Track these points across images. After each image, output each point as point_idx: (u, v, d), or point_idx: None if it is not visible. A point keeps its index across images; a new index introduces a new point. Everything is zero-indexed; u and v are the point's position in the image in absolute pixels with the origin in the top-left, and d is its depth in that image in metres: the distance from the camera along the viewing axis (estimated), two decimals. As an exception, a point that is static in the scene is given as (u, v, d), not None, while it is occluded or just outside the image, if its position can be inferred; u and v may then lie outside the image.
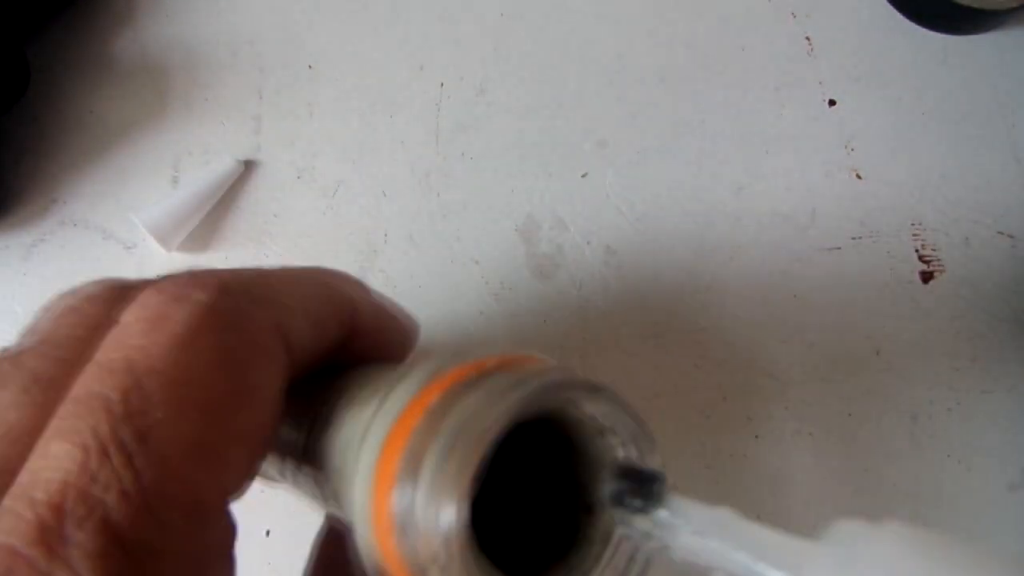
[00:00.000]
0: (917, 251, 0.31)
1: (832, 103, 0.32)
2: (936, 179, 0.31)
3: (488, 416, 0.11)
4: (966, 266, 0.31)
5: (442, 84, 0.33)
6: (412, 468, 0.12)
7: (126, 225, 0.32)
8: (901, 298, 0.30)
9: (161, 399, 0.12)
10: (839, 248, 0.31)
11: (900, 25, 0.33)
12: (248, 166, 0.32)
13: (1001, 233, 0.31)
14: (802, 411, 0.29)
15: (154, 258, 0.31)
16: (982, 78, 0.32)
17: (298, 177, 0.32)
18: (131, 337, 0.13)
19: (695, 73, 0.33)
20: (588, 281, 0.31)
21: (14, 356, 0.14)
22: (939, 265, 0.31)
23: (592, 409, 0.13)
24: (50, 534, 0.11)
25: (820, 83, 0.32)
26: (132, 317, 0.13)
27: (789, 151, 0.32)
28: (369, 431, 0.13)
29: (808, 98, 0.32)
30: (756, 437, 0.29)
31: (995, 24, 0.32)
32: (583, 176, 0.32)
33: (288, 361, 0.14)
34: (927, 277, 0.31)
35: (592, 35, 0.33)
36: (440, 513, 0.11)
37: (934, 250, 0.31)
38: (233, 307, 0.13)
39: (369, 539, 0.13)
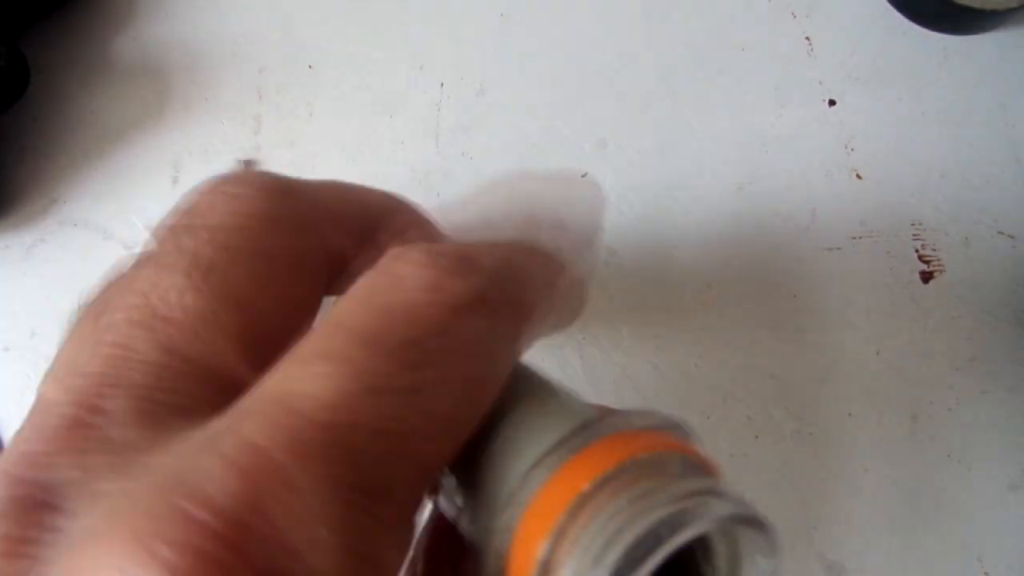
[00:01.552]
0: (917, 251, 0.31)
1: (832, 103, 0.32)
2: (936, 179, 0.31)
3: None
4: (966, 266, 0.31)
5: (442, 84, 0.33)
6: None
7: (127, 225, 0.32)
8: (901, 298, 0.30)
9: (435, 360, 0.12)
10: (839, 248, 0.31)
11: (900, 25, 0.33)
12: (248, 166, 0.32)
13: (1001, 233, 0.31)
14: (802, 411, 0.29)
15: (154, 258, 0.31)
16: (982, 78, 0.32)
17: (298, 177, 0.32)
18: (409, 291, 0.13)
19: (695, 73, 0.33)
20: (588, 281, 0.31)
21: (175, 237, 0.14)
22: (939, 265, 0.31)
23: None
24: (305, 448, 0.10)
25: (820, 83, 0.32)
26: (406, 270, 0.13)
27: (789, 151, 0.32)
28: (517, 495, 0.13)
29: (808, 98, 0.32)
30: (756, 437, 0.29)
31: (995, 24, 0.32)
32: (583, 176, 0.32)
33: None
34: (927, 277, 0.31)
35: (592, 35, 0.33)
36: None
37: (934, 250, 0.31)
38: (499, 299, 0.14)
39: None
